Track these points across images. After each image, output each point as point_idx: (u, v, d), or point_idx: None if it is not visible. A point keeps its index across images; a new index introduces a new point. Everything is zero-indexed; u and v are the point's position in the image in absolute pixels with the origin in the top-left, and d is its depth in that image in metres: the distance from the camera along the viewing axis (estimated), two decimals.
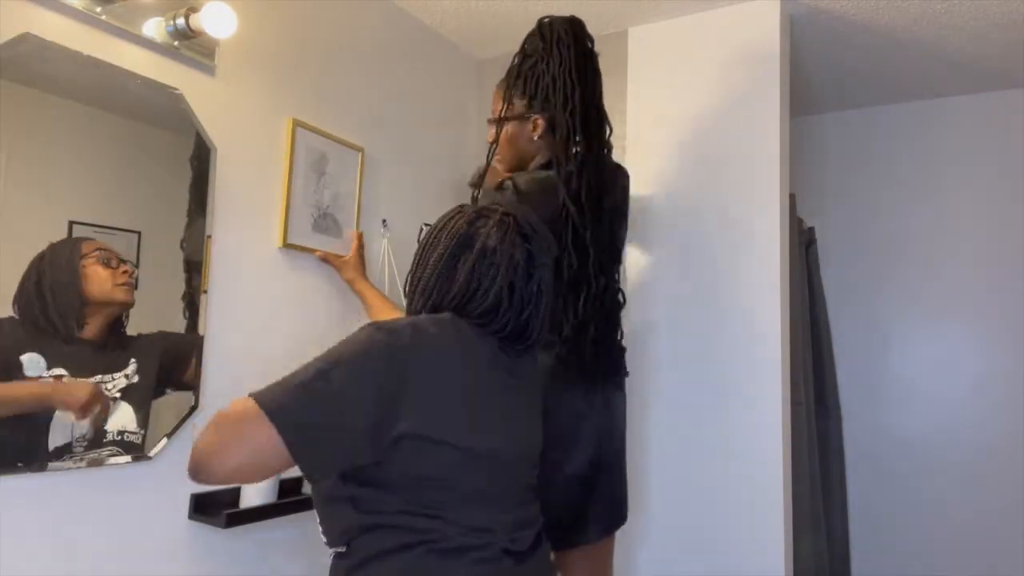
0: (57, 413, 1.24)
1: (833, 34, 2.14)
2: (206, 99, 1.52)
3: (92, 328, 1.30)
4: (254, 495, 1.51)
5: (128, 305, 1.35)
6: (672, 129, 2.06)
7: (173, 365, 1.44)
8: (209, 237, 1.52)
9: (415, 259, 1.12)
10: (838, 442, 2.61)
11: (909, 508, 2.59)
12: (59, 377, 1.24)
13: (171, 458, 1.42)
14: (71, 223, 1.27)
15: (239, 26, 1.45)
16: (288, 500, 1.57)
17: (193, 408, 1.47)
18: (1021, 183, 2.51)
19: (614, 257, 1.49)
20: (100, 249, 1.30)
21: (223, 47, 1.55)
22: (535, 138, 1.49)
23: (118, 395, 1.33)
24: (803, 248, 2.49)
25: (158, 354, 1.41)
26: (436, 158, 2.26)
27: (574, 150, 1.43)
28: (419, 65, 2.19)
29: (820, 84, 2.56)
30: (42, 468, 1.22)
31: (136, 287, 1.36)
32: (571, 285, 1.38)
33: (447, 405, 0.98)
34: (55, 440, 1.24)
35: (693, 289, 1.99)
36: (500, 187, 1.41)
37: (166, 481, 1.42)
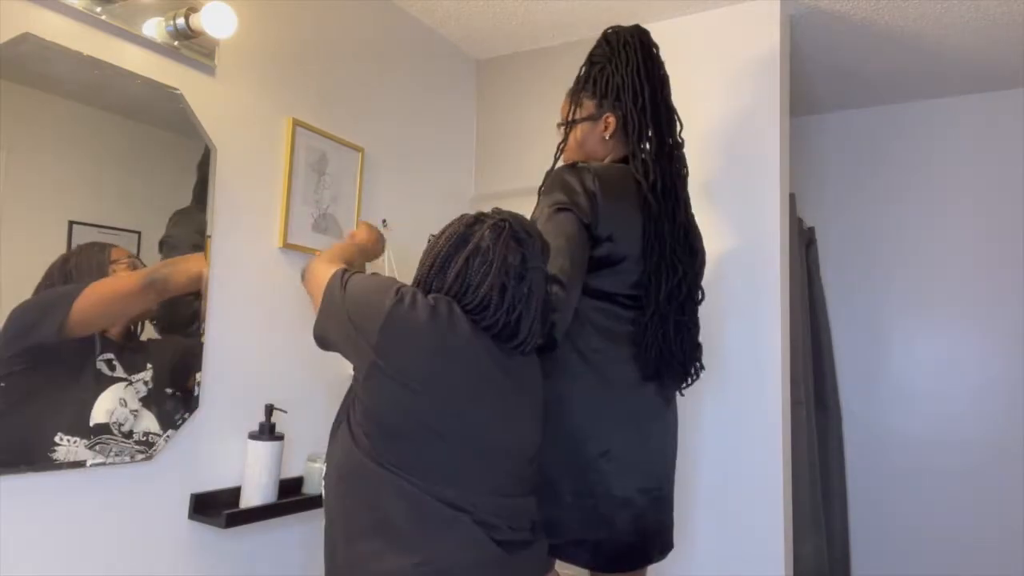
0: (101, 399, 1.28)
1: (833, 34, 2.14)
2: (206, 99, 1.51)
3: (115, 331, 1.32)
4: (254, 495, 1.50)
5: (152, 313, 1.38)
6: None
7: (182, 369, 1.45)
8: (209, 237, 1.52)
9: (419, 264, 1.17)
10: (838, 441, 2.61)
11: (909, 508, 2.59)
12: (109, 361, 1.29)
13: (172, 458, 1.42)
14: (71, 223, 1.27)
15: (239, 26, 1.45)
16: (288, 500, 1.57)
17: (193, 408, 1.47)
18: (1021, 183, 2.51)
19: (688, 251, 1.48)
20: (129, 256, 1.34)
21: (223, 47, 1.55)
22: (607, 137, 1.48)
23: (140, 404, 1.36)
24: (803, 248, 2.49)
25: (169, 358, 1.42)
26: (436, 158, 2.26)
27: (646, 144, 1.45)
28: (419, 65, 2.19)
29: (820, 84, 2.56)
30: (46, 467, 1.22)
31: None
32: (651, 276, 1.39)
33: (417, 358, 1.05)
34: (97, 417, 1.28)
35: None
36: (574, 167, 1.39)
37: (166, 481, 1.42)
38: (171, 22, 1.41)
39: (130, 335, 1.36)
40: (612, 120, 1.47)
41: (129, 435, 1.34)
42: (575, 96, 1.52)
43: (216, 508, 1.47)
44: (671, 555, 1.93)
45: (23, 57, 1.20)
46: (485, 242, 1.10)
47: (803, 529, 2.08)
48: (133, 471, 1.37)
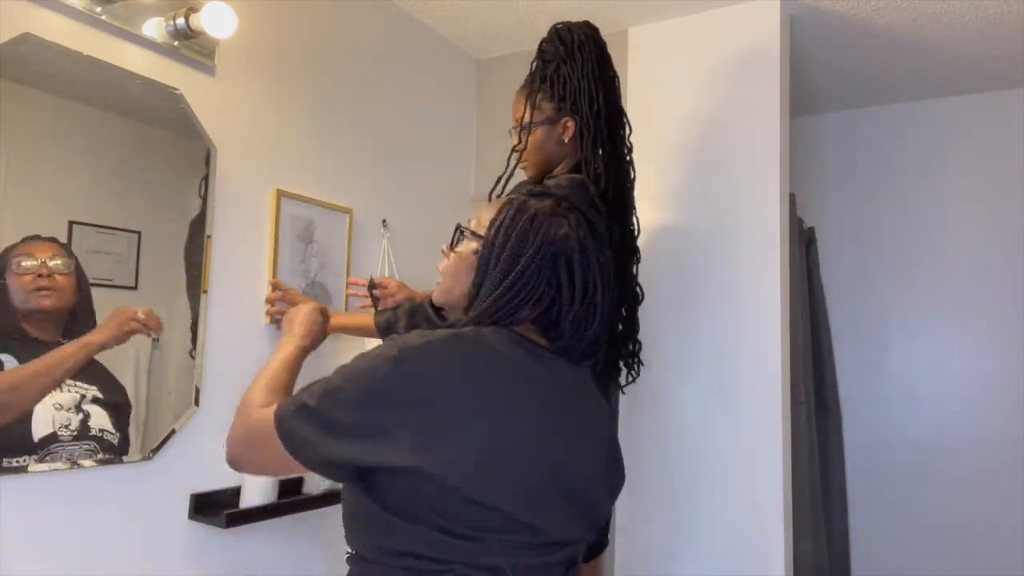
0: (39, 408, 1.21)
1: (833, 34, 2.14)
2: (206, 99, 1.51)
3: (42, 331, 1.24)
4: (254, 495, 1.50)
5: (52, 312, 1.25)
6: (672, 129, 2.06)
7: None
8: (209, 237, 1.52)
9: (484, 265, 0.96)
10: (838, 441, 2.61)
11: (909, 508, 2.59)
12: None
13: (172, 458, 1.42)
14: (71, 223, 1.27)
15: (239, 26, 1.45)
16: (288, 500, 1.57)
17: (191, 408, 1.47)
18: (1021, 183, 2.51)
19: (634, 255, 1.55)
20: (22, 254, 1.21)
21: (223, 47, 1.55)
22: (565, 141, 1.48)
23: (78, 402, 1.27)
24: (803, 248, 2.49)
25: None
26: (436, 158, 2.26)
27: (600, 151, 1.45)
28: (419, 65, 2.18)
29: (820, 84, 2.56)
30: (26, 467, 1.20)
31: (57, 290, 1.26)
32: None
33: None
34: (38, 431, 1.20)
35: (693, 289, 1.99)
36: (541, 195, 1.38)
37: (166, 481, 1.42)
38: (171, 22, 1.41)
39: (66, 333, 1.27)
40: (571, 124, 1.47)
41: (83, 435, 1.26)
42: (531, 97, 1.49)
43: (216, 508, 1.47)
44: (672, 554, 1.94)
45: (23, 57, 1.20)
46: (586, 242, 0.94)
47: (803, 528, 2.08)
48: (133, 471, 1.36)
